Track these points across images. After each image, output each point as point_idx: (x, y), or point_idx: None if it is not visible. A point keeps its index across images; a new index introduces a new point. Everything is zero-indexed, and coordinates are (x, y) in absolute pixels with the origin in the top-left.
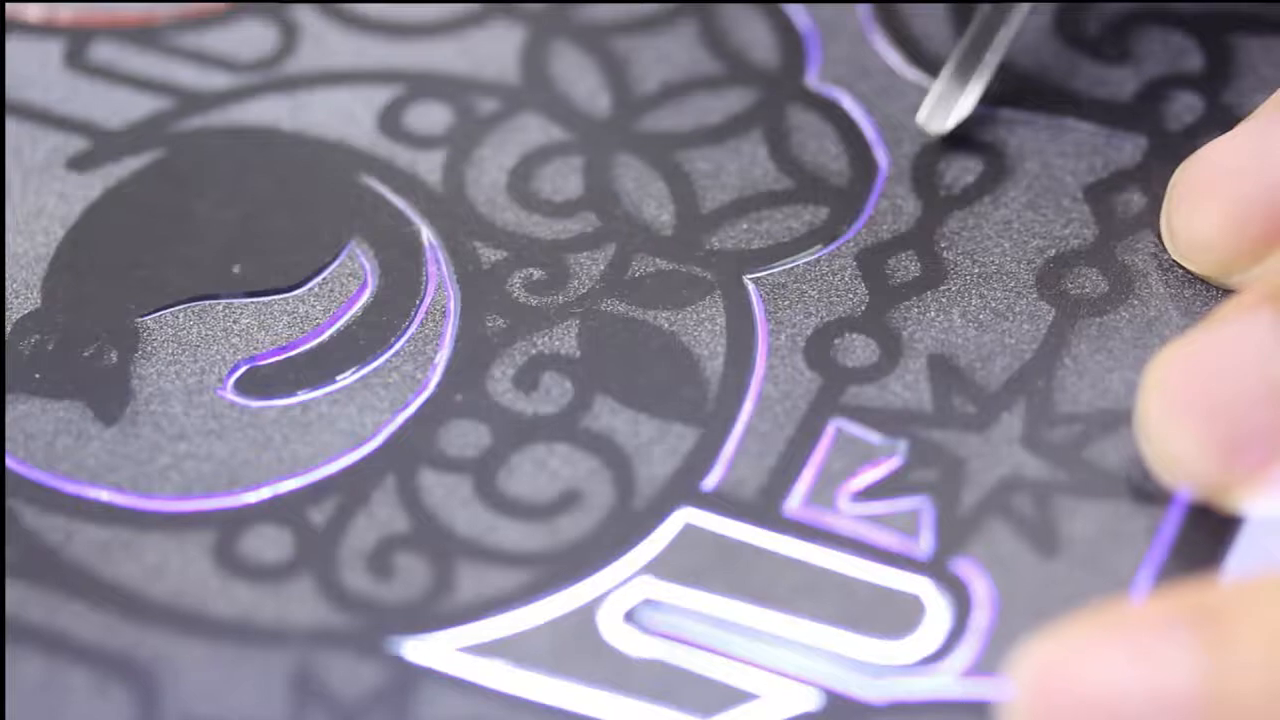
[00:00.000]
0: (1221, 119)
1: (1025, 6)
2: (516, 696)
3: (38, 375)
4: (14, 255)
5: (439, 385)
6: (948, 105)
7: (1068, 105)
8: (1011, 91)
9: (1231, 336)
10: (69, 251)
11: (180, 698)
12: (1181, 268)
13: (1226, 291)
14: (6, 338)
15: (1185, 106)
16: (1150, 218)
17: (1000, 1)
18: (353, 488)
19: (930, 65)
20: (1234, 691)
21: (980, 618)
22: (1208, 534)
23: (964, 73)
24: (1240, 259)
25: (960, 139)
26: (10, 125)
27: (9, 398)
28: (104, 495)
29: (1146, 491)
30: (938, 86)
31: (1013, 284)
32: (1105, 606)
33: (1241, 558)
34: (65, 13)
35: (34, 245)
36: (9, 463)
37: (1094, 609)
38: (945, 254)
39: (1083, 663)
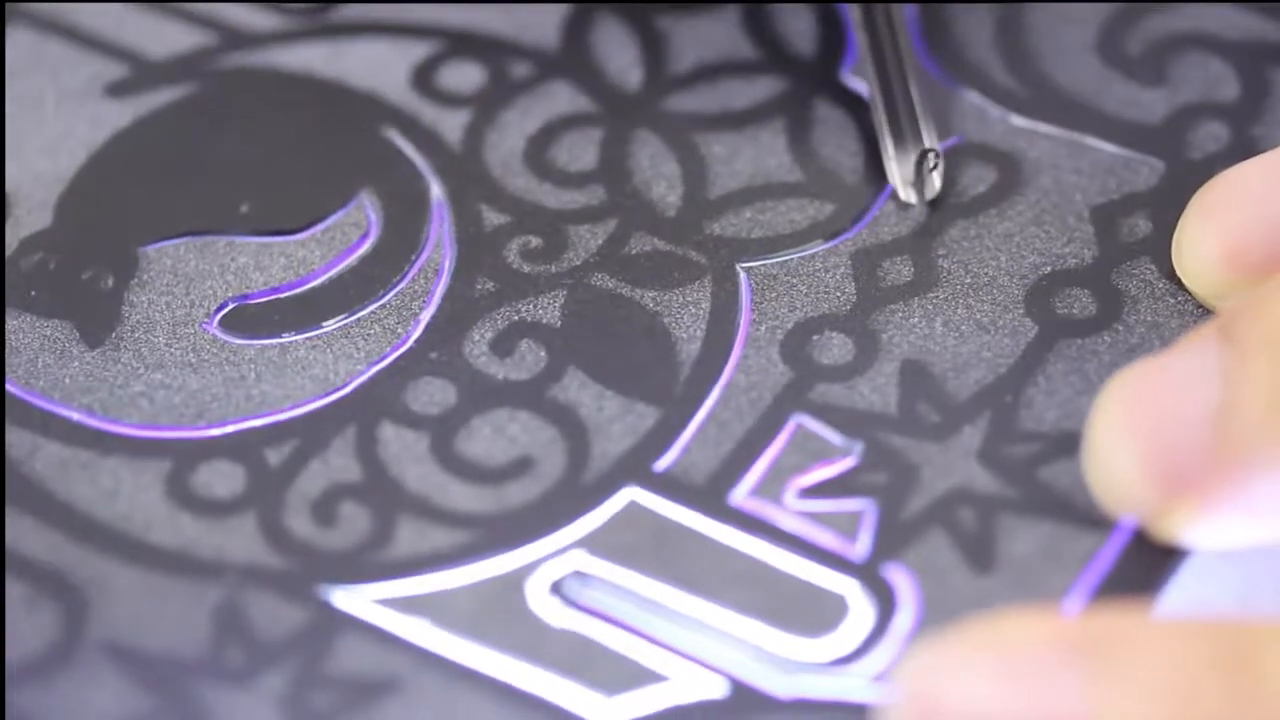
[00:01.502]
0: (1245, 150)
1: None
2: (432, 653)
3: (33, 292)
4: (35, 174)
5: (417, 341)
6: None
7: (1092, 122)
8: (1040, 103)
9: (1178, 365)
10: (88, 176)
11: (106, 622)
12: (1174, 297)
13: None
14: (9, 254)
15: (1210, 135)
16: (1153, 244)
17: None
18: (313, 433)
19: (964, 71)
20: None
21: (902, 624)
22: (1145, 566)
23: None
24: (1234, 286)
25: (981, 148)
26: (55, 46)
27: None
28: (74, 415)
29: (1091, 517)
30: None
31: (1001, 298)
32: (1002, 619)
33: (1181, 592)
34: None
35: (56, 166)
36: None
37: (990, 619)
38: (941, 261)
39: (965, 677)
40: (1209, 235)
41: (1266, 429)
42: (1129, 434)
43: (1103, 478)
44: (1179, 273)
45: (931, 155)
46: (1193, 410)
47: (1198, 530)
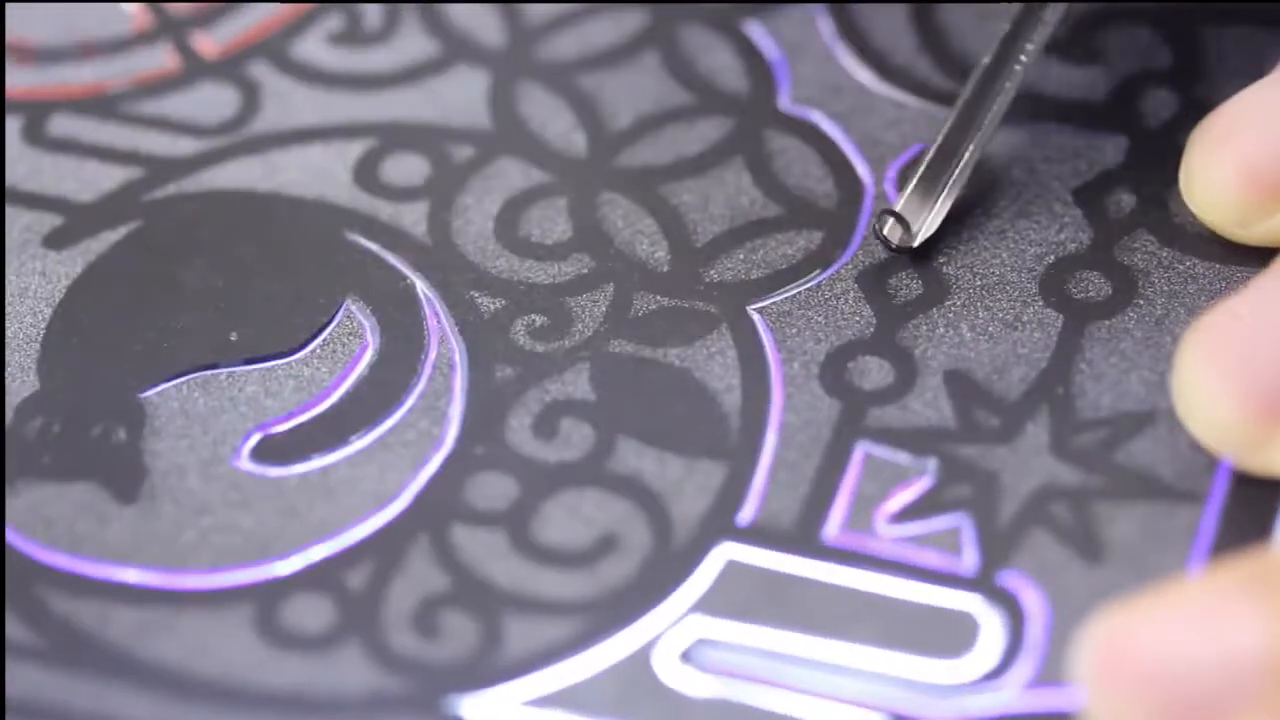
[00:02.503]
0: (1197, 113)
1: (1004, 101)
2: None
3: (46, 459)
4: (8, 335)
5: (457, 439)
6: (916, 219)
7: (1044, 110)
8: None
9: (1267, 295)
10: (60, 330)
11: None
12: (1181, 264)
13: (1229, 284)
14: (9, 424)
15: (1160, 103)
16: (1143, 216)
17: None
18: (386, 549)
19: (898, 78)
20: None
21: (1035, 629)
22: (1250, 518)
23: (933, 184)
24: (1253, 210)
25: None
26: None
27: (22, 484)
28: (132, 575)
29: (1182, 488)
30: (908, 200)
31: (1016, 293)
32: (1163, 584)
33: None
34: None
35: (23, 327)
36: (32, 550)
37: (1152, 588)
38: (945, 269)
39: (1148, 633)
40: (1223, 161)
41: None
42: (1221, 367)
43: (1201, 420)
44: (1192, 207)
45: (886, 217)
46: None
47: None
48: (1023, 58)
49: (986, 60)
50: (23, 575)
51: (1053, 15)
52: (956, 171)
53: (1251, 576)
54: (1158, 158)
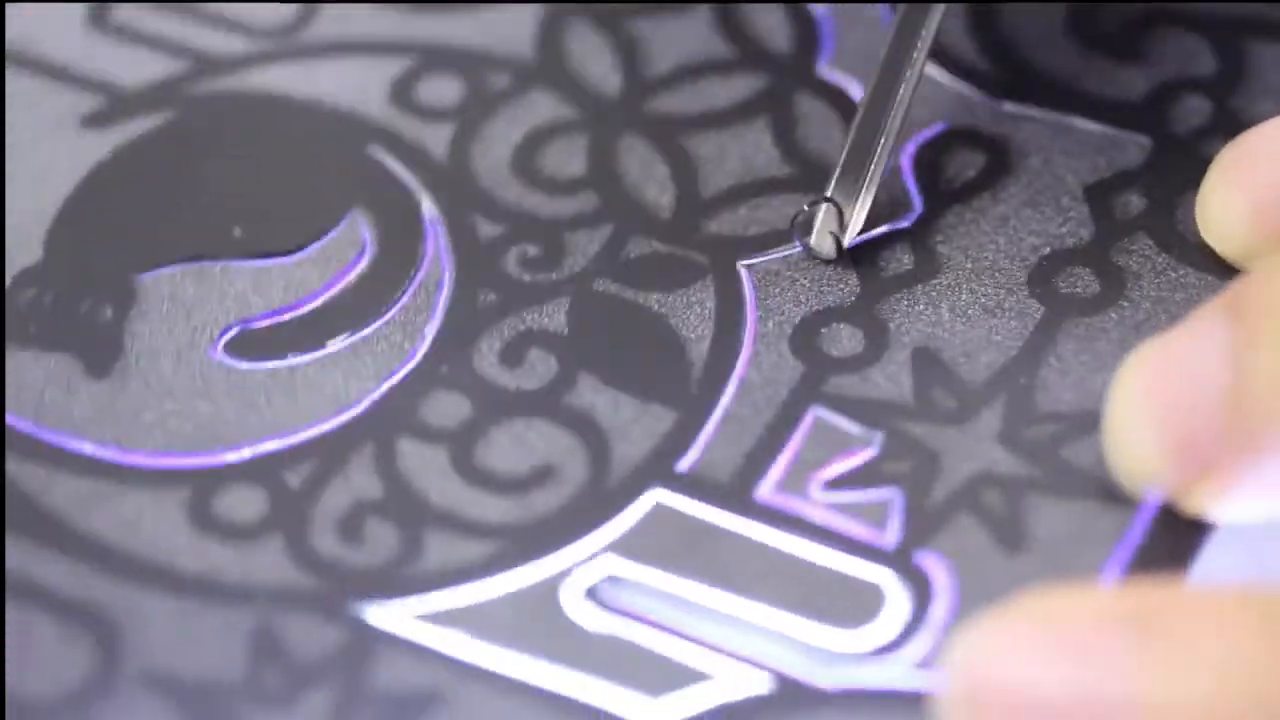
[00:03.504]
0: (1228, 123)
1: (906, 99)
2: (473, 665)
3: (32, 328)
4: (21, 209)
5: (425, 356)
6: (836, 225)
7: (1076, 103)
8: (1020, 86)
9: (1188, 343)
10: (74, 208)
11: (142, 651)
12: (1174, 271)
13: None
14: (6, 290)
15: (1193, 109)
16: (1148, 220)
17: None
18: (331, 452)
19: (942, 57)
20: (1170, 704)
21: (939, 610)
22: (1175, 538)
23: (852, 185)
24: (1259, 246)
25: (966, 133)
26: (28, 81)
27: (6, 346)
28: (87, 448)
29: (1118, 493)
30: (822, 209)
31: (1004, 280)
32: (1047, 596)
33: (1209, 564)
34: None
35: (41, 201)
36: None
37: (1035, 597)
38: (940, 248)
39: (1016, 658)
40: (1234, 194)
41: (1277, 407)
42: (1147, 414)
43: (1124, 458)
44: (1203, 231)
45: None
46: (1205, 388)
47: (1220, 507)
48: (916, 55)
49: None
50: None
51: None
52: (872, 168)
53: (1138, 612)
54: (1177, 164)
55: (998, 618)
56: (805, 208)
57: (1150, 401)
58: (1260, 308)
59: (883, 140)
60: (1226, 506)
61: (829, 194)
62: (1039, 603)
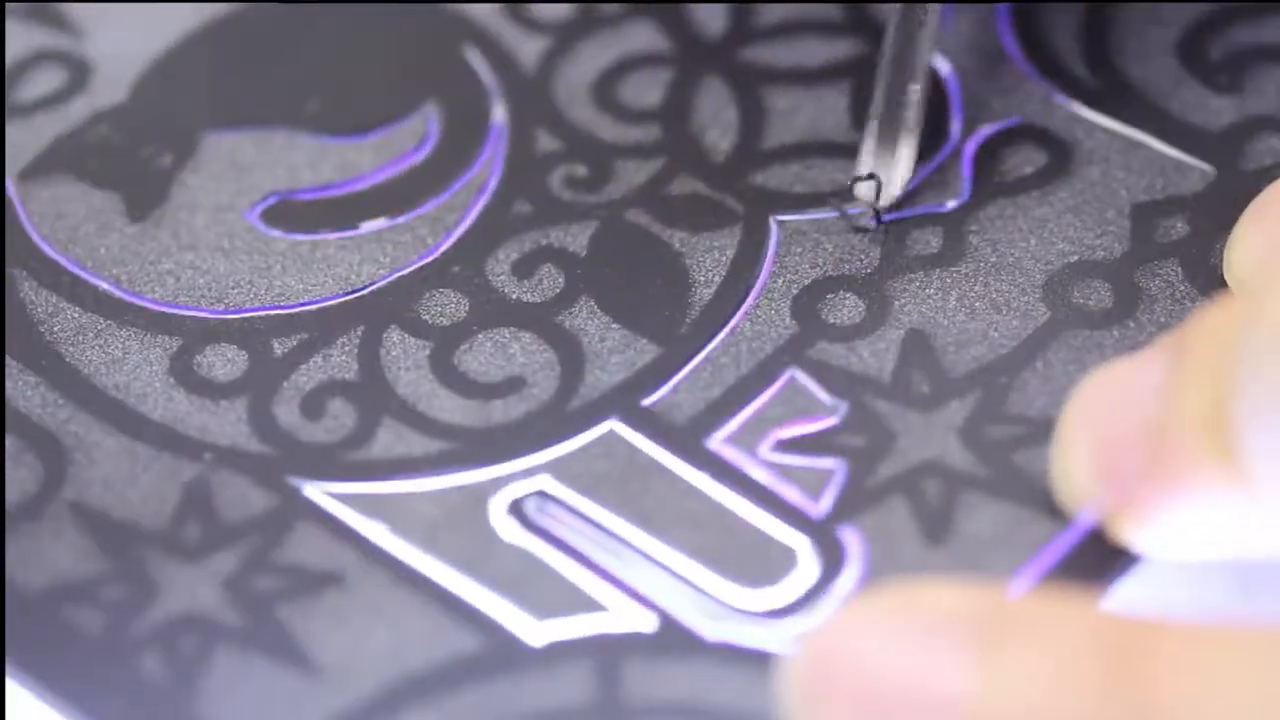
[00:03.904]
0: None
1: (927, 44)
2: (381, 552)
3: (93, 163)
4: (120, 52)
5: (444, 253)
6: (885, 177)
7: (1156, 122)
8: (1108, 96)
9: (1132, 374)
10: (169, 61)
11: (81, 483)
12: (1191, 301)
13: None
14: (78, 126)
15: (1266, 148)
16: (1185, 248)
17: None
18: (320, 329)
19: (1040, 54)
20: (994, 709)
21: (845, 584)
22: (1098, 560)
23: (889, 140)
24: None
25: (1036, 131)
26: None
27: (56, 178)
28: (103, 284)
29: (1054, 506)
30: (867, 159)
31: (1020, 280)
32: (916, 586)
33: (1125, 594)
34: None
35: (138, 48)
36: (32, 232)
37: (899, 586)
38: (971, 237)
39: (863, 640)
40: (1248, 241)
41: (1196, 447)
42: (1085, 436)
43: (1062, 476)
44: (1224, 270)
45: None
46: (1137, 420)
47: (1141, 537)
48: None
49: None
50: (13, 249)
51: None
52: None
53: (984, 613)
54: (1233, 198)
55: (861, 597)
56: (849, 181)
57: (1090, 425)
58: (1194, 347)
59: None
60: (1146, 538)
61: (864, 169)
62: (903, 591)
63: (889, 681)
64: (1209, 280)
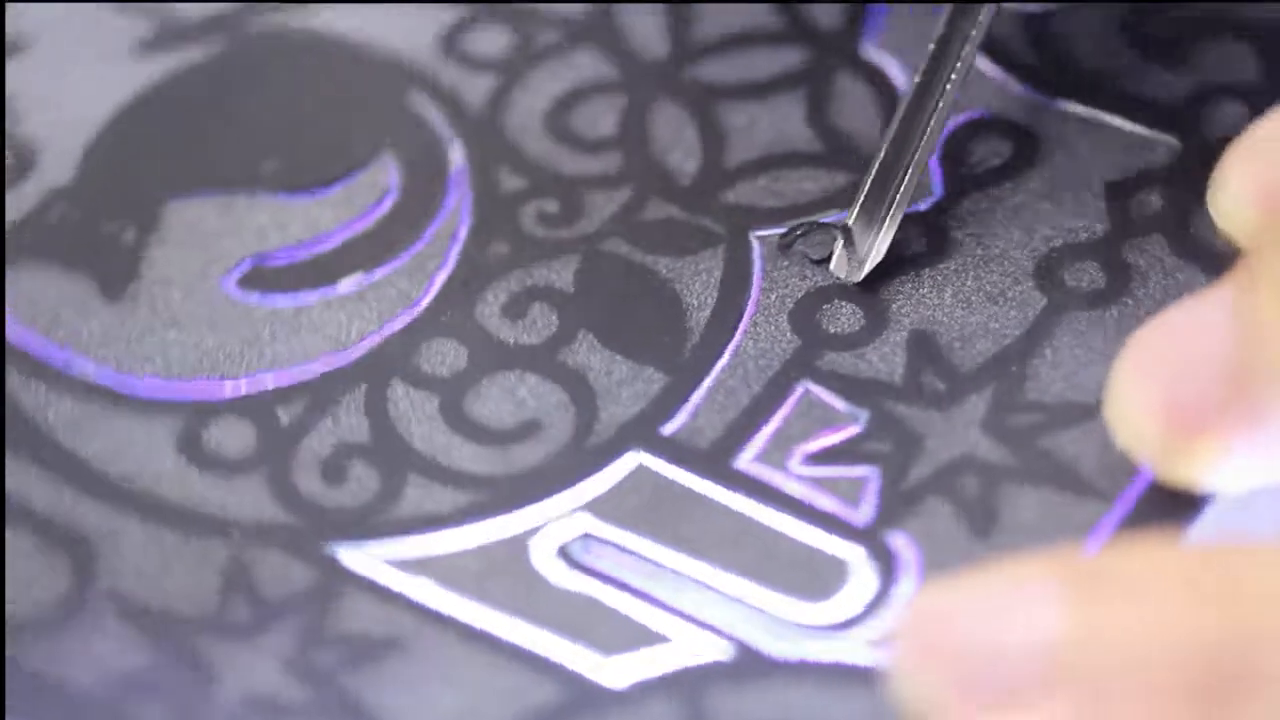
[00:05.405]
0: None
1: (945, 108)
2: (435, 612)
3: (56, 246)
4: (62, 128)
5: (431, 303)
6: (862, 250)
7: (1114, 101)
8: (1062, 80)
9: (1195, 312)
10: (114, 132)
11: (113, 575)
12: (1182, 273)
13: None
14: (34, 209)
15: (1228, 115)
16: (1164, 220)
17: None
18: (323, 392)
19: (990, 46)
20: (1089, 650)
21: (904, 591)
22: (1169, 506)
23: (875, 213)
24: (1265, 229)
25: (999, 121)
26: (88, 5)
27: (25, 266)
28: (89, 369)
29: (1094, 485)
30: (846, 232)
31: (1011, 269)
32: (996, 564)
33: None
34: None
35: (83, 122)
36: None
37: (986, 566)
38: (954, 233)
39: (955, 614)
40: (1245, 174)
41: None
42: (1148, 379)
43: (1122, 423)
44: (1216, 218)
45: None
46: (1207, 354)
47: (1214, 470)
48: (959, 63)
49: (923, 67)
50: None
51: (986, 16)
52: (899, 193)
53: (1070, 567)
54: (1202, 167)
55: (944, 582)
56: (826, 230)
57: (1152, 367)
58: (1265, 271)
59: (909, 172)
60: (1219, 471)
61: (849, 222)
62: (990, 569)
63: (985, 639)
64: (1195, 249)
